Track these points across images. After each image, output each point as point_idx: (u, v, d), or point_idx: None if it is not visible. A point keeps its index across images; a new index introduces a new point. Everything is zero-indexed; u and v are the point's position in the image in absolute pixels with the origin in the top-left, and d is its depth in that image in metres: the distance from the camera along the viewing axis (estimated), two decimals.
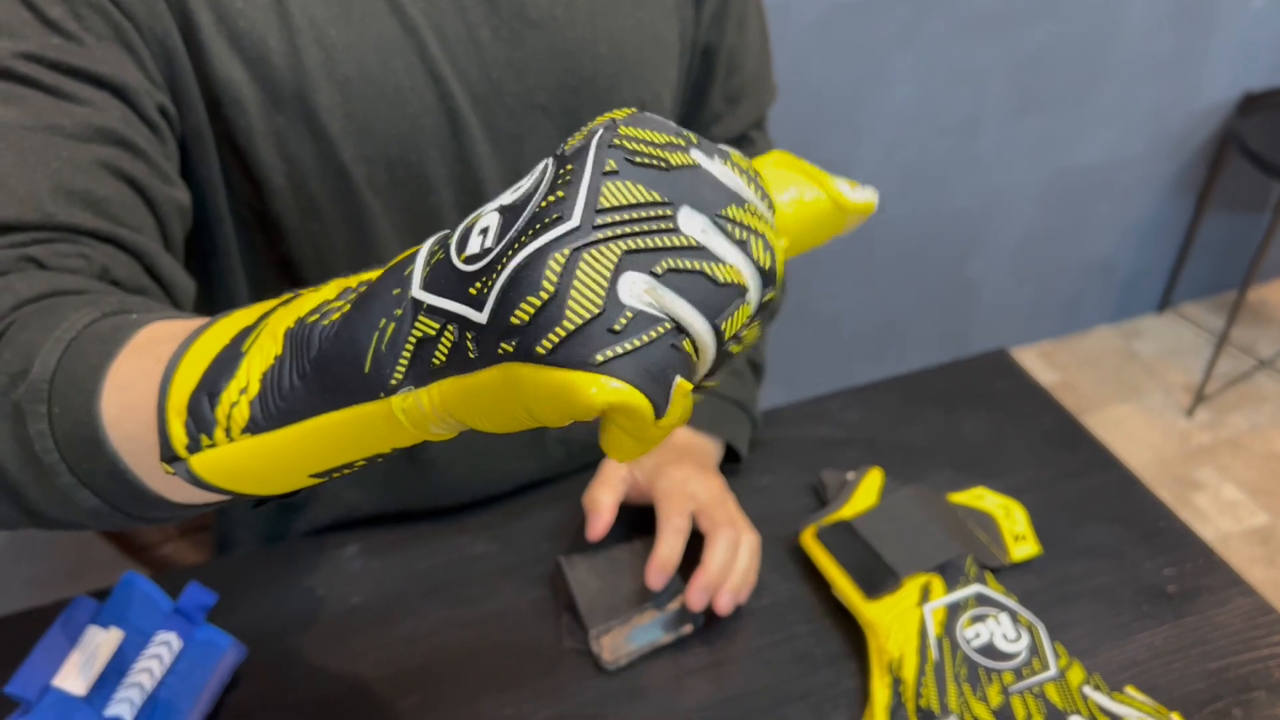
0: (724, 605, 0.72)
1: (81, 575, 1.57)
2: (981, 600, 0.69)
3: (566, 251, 0.30)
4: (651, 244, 0.31)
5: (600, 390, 0.29)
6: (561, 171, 0.32)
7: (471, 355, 0.32)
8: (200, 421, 0.38)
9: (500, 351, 0.31)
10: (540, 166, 0.33)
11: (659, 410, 0.30)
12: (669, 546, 0.73)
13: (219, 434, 0.38)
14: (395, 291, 0.34)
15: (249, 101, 0.64)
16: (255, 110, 0.64)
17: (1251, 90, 2.23)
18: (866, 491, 0.79)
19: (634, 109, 0.35)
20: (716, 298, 0.32)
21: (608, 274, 0.30)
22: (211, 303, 0.77)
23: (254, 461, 0.38)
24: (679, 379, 0.31)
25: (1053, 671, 0.65)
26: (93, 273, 0.54)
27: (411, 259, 0.35)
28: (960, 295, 2.34)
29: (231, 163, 0.67)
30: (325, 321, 0.36)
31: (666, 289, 0.31)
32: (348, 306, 0.36)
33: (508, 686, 0.70)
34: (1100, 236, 2.40)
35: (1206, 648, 0.70)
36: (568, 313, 0.30)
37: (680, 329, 0.31)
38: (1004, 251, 2.29)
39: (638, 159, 0.32)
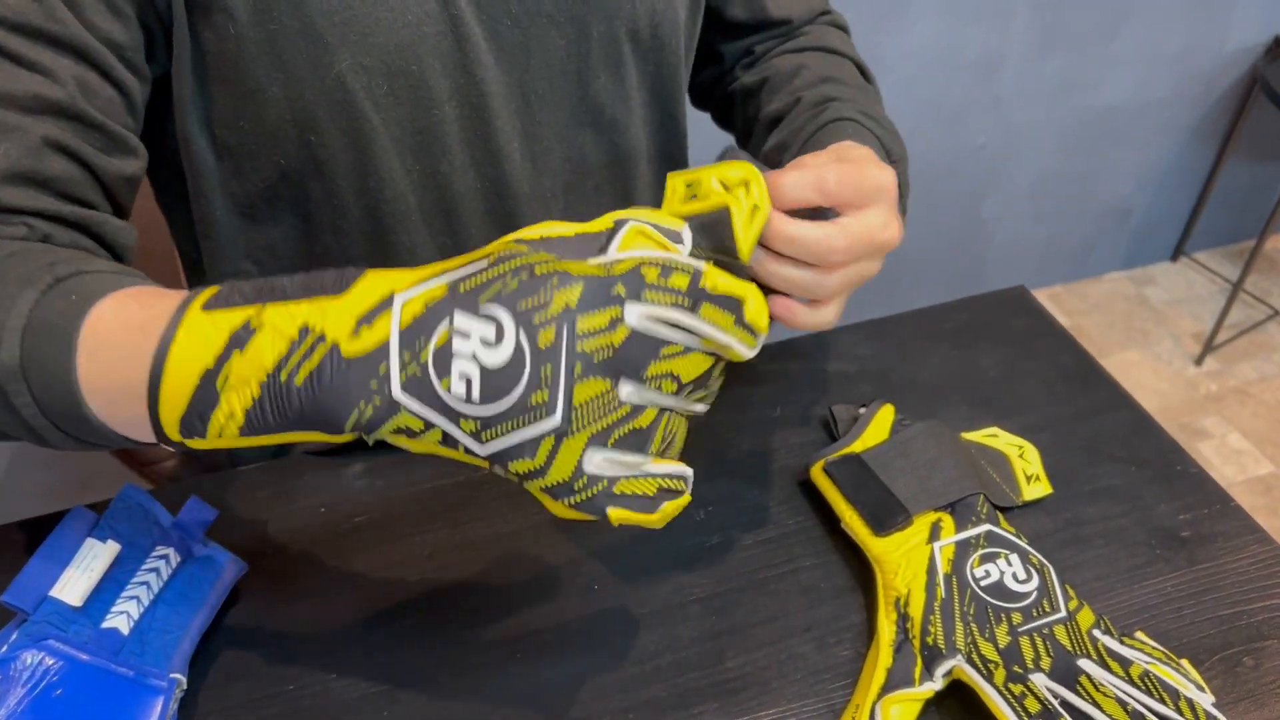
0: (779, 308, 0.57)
1: (89, 487, 1.57)
2: (992, 539, 0.68)
3: (552, 440, 0.45)
4: (604, 424, 0.46)
5: (563, 514, 0.48)
6: (540, 369, 0.43)
7: (462, 450, 0.46)
8: (193, 431, 0.47)
9: (492, 467, 0.46)
10: (513, 343, 0.43)
11: (606, 521, 0.47)
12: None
13: (211, 436, 0.47)
14: (372, 384, 0.44)
15: (238, 8, 0.61)
16: (245, 16, 0.62)
17: None
18: (878, 427, 0.78)
19: (585, 280, 0.45)
20: (643, 438, 0.48)
21: (578, 453, 0.45)
22: (184, 225, 0.75)
23: (243, 445, 0.48)
24: (609, 509, 0.47)
25: (1062, 613, 0.64)
26: (35, 239, 0.58)
27: (366, 319, 0.45)
28: (975, 235, 2.32)
29: (216, 78, 0.65)
30: (299, 379, 0.45)
31: (614, 452, 0.46)
32: (308, 365, 0.44)
33: (508, 610, 0.70)
34: (1118, 180, 2.36)
35: (1219, 594, 0.70)
36: (550, 476, 0.46)
37: (621, 463, 0.47)
38: (1020, 192, 2.26)
39: (595, 357, 0.45)
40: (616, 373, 0.45)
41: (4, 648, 0.59)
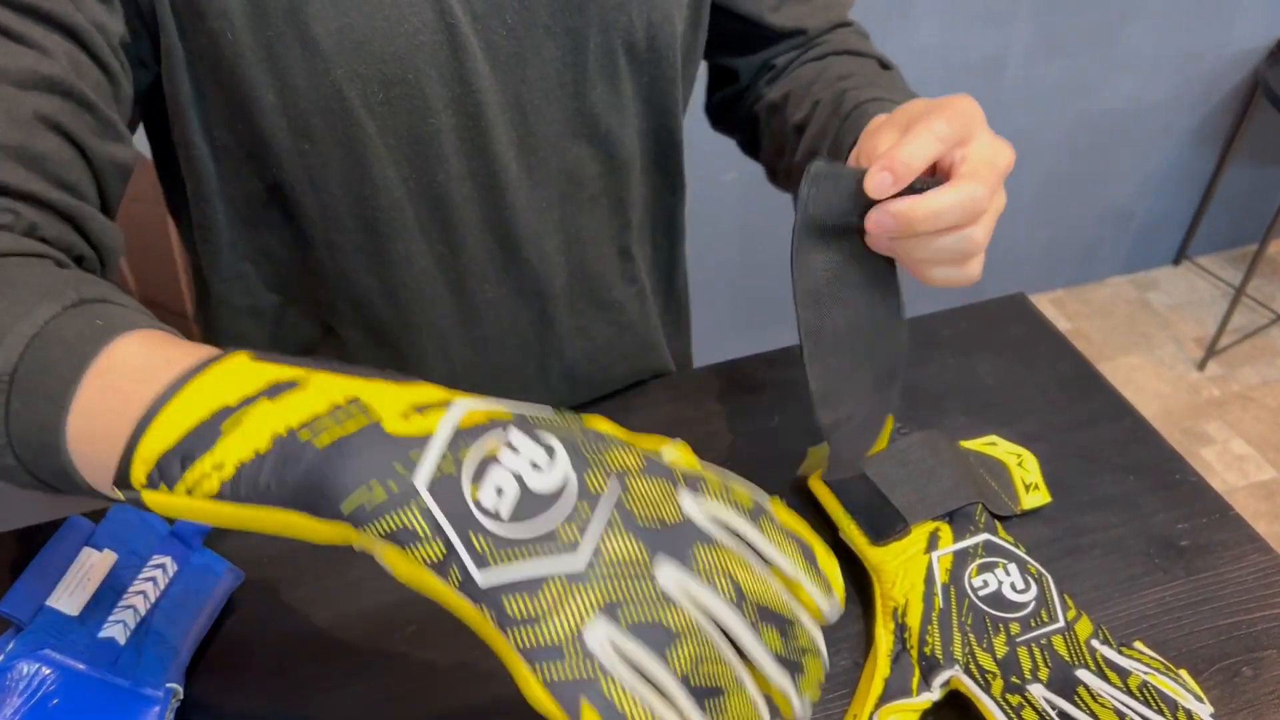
0: (876, 220, 0.56)
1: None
2: (990, 549, 0.68)
3: (564, 584, 0.38)
4: (624, 594, 0.38)
5: (532, 695, 0.38)
6: (580, 506, 0.39)
7: (454, 582, 0.39)
8: (165, 476, 0.41)
9: (480, 607, 0.38)
10: (563, 473, 0.40)
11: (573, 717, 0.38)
12: (916, 143, 0.57)
13: (179, 489, 0.41)
14: (396, 465, 0.39)
15: (235, 14, 0.61)
16: (242, 23, 0.62)
17: None
18: None
19: (646, 456, 0.42)
20: (665, 639, 0.38)
21: (586, 616, 0.38)
22: (189, 229, 0.75)
23: (202, 514, 0.42)
24: (582, 699, 0.37)
25: (1060, 623, 0.64)
26: (21, 229, 0.55)
27: (422, 408, 0.41)
28: None
29: (211, 82, 0.65)
30: (317, 442, 0.40)
31: (624, 636, 0.38)
32: (339, 431, 0.40)
33: None
34: (1120, 184, 2.36)
35: (1218, 604, 0.69)
36: (542, 631, 0.38)
37: (625, 668, 0.38)
38: (1023, 196, 2.26)
39: (639, 519, 0.40)
40: (658, 547, 0.40)
41: (0, 658, 0.59)
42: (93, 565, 0.64)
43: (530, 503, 0.39)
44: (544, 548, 0.38)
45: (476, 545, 0.38)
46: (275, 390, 0.41)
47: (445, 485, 0.39)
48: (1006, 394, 0.87)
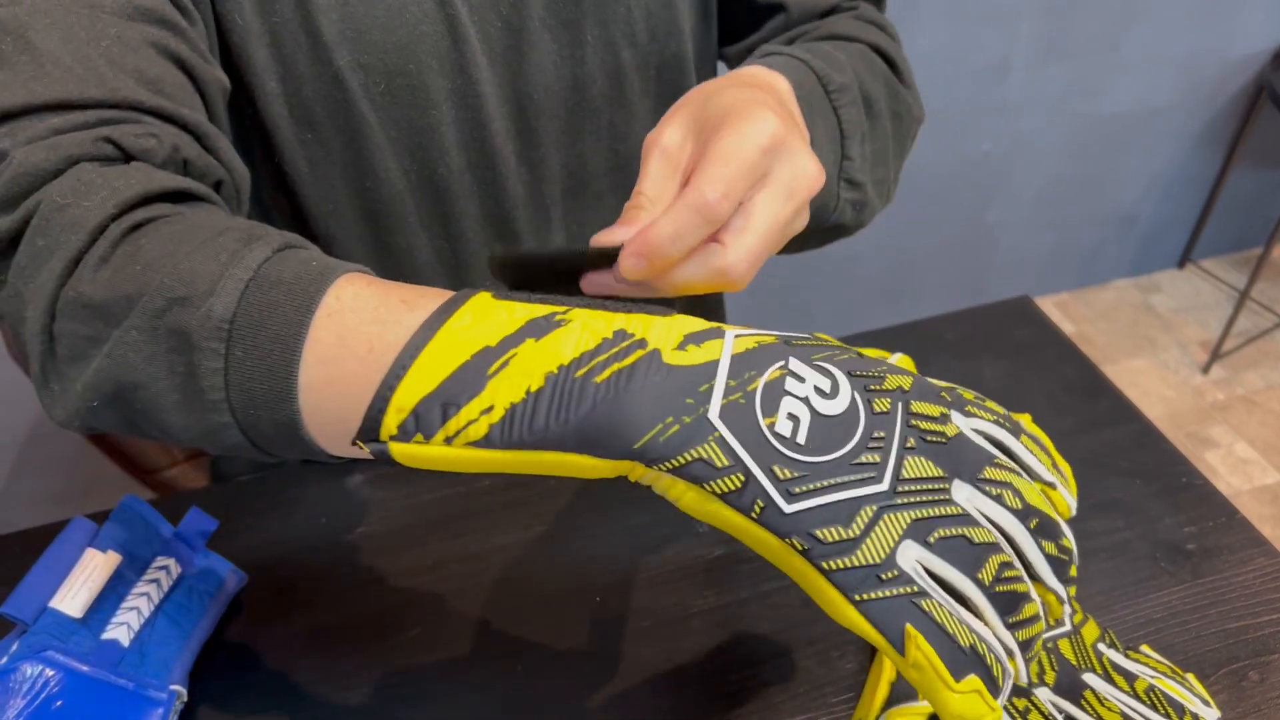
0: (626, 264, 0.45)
1: (90, 494, 1.57)
2: None
3: (874, 509, 0.38)
4: (930, 514, 0.39)
5: (845, 617, 0.39)
6: (873, 430, 0.39)
7: (754, 515, 0.38)
8: (424, 424, 0.39)
9: (788, 538, 0.38)
10: (848, 398, 0.40)
11: (896, 646, 0.38)
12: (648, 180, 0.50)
13: (439, 437, 0.39)
14: (688, 400, 0.38)
15: None
16: (250, 7, 0.62)
17: None
18: None
19: (912, 374, 0.42)
20: (973, 555, 0.39)
21: (896, 536, 0.38)
22: None
23: (461, 463, 0.40)
24: (908, 625, 0.38)
25: (1067, 627, 0.64)
26: (164, 154, 0.52)
27: (695, 339, 0.40)
28: (979, 243, 2.31)
29: (229, 63, 0.65)
30: (597, 379, 0.38)
31: (933, 555, 0.39)
32: (618, 366, 0.39)
33: (510, 621, 0.69)
34: (1123, 187, 2.36)
35: (1225, 608, 0.69)
36: (858, 554, 0.38)
37: (934, 585, 0.39)
38: (1026, 199, 2.26)
39: (928, 437, 0.40)
40: (950, 465, 0.41)
41: (4, 659, 0.59)
42: (96, 566, 0.63)
43: (824, 428, 0.39)
44: (848, 473, 0.39)
45: (780, 474, 0.38)
46: (538, 328, 0.40)
47: (739, 416, 0.38)
48: (1011, 397, 0.87)
